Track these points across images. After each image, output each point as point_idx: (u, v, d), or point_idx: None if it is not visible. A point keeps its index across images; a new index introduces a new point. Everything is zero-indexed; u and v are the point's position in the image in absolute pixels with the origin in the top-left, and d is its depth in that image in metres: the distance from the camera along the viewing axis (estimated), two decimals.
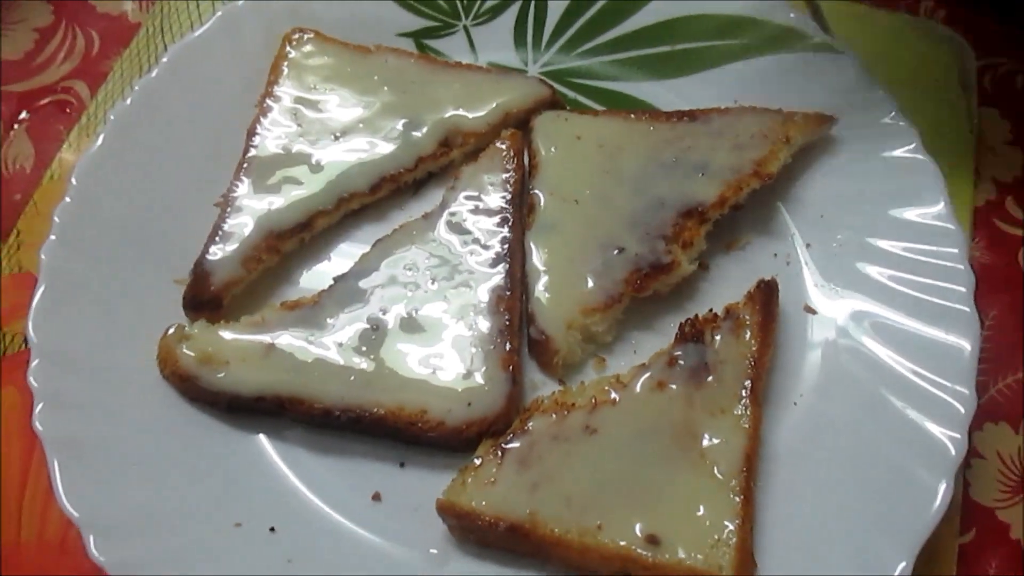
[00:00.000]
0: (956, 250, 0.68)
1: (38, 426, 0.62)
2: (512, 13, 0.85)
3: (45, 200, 0.79)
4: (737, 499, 0.59)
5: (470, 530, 0.61)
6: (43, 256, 0.69)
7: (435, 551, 0.62)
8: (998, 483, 0.66)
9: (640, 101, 0.81)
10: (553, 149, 0.74)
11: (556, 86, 0.81)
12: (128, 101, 0.76)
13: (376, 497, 0.64)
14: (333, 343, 0.66)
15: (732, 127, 0.74)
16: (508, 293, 0.67)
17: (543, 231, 0.70)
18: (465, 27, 0.84)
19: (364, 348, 0.66)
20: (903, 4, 0.88)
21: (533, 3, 0.84)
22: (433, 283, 0.67)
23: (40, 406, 0.63)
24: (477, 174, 0.73)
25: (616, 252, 0.69)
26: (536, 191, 0.72)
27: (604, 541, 0.58)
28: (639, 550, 0.58)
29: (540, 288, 0.68)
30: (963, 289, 0.66)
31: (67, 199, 0.71)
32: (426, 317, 0.67)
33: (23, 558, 0.64)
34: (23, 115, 0.85)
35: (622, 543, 0.58)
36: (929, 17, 0.88)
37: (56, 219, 0.70)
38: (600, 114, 0.78)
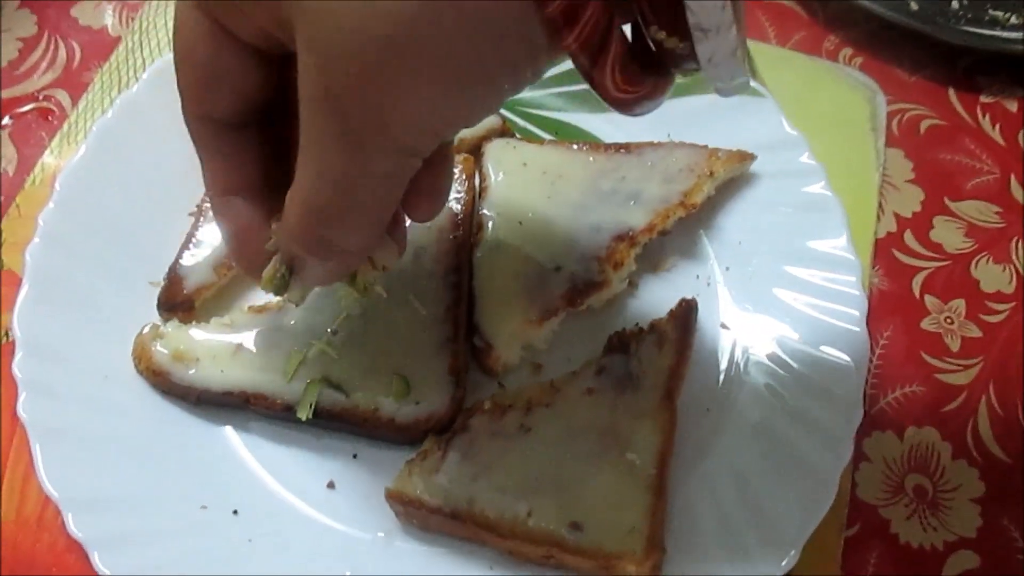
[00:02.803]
0: (853, 278, 0.76)
1: (22, 413, 0.67)
2: None
3: (28, 203, 0.83)
4: (651, 493, 0.67)
5: (414, 516, 0.67)
6: (28, 257, 0.73)
7: (382, 534, 0.68)
8: (882, 484, 0.74)
9: (583, 131, 0.86)
10: (501, 174, 0.79)
11: (507, 114, 0.86)
12: (110, 114, 0.80)
13: (331, 485, 0.70)
14: (295, 345, 0.71)
15: (663, 160, 0.80)
16: (455, 304, 0.73)
17: (489, 249, 0.76)
18: None
19: (324, 350, 0.71)
20: (823, 51, 0.96)
21: None
22: (387, 293, 0.72)
23: (24, 395, 0.68)
24: None
25: (555, 270, 0.75)
26: (484, 212, 0.78)
27: (533, 526, 0.65)
28: (563, 534, 0.65)
29: (485, 301, 0.74)
30: (856, 313, 0.74)
31: (51, 204, 0.76)
32: (380, 324, 0.72)
33: (2, 533, 0.69)
34: (6, 121, 0.89)
35: (549, 528, 0.65)
36: (847, 64, 0.96)
37: (40, 223, 0.75)
38: (545, 143, 0.83)
